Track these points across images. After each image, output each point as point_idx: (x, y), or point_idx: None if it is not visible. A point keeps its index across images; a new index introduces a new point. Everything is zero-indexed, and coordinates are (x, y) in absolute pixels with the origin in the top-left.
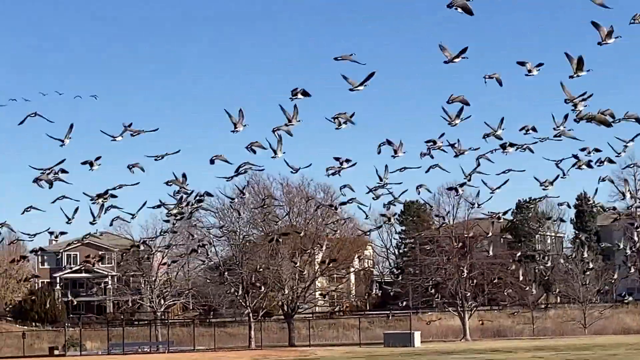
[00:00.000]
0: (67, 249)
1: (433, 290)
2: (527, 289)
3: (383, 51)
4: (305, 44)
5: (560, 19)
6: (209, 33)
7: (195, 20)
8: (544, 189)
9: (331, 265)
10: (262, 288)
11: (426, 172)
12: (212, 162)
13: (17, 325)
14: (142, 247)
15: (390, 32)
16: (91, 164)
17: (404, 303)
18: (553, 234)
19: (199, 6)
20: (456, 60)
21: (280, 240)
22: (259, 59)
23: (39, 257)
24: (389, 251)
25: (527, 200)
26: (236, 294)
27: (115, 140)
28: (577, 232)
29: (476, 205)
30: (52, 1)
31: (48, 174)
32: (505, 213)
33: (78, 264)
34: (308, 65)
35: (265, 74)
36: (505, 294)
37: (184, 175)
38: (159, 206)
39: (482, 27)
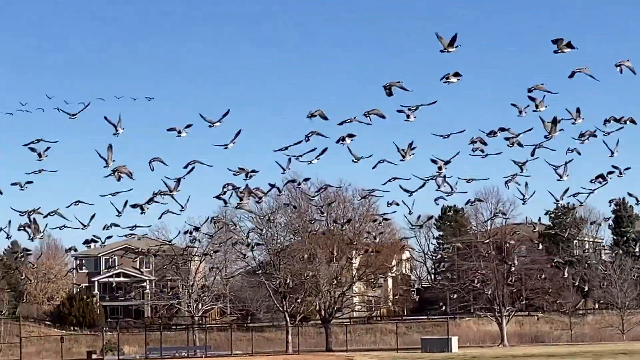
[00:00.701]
0: (104, 253)
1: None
2: (567, 294)
3: (383, 51)
4: (305, 44)
5: (560, 19)
6: (209, 33)
7: (195, 21)
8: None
9: (368, 270)
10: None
11: (483, 157)
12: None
13: (56, 329)
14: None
15: (390, 32)
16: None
17: (442, 308)
18: (591, 240)
19: (199, 7)
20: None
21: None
22: (259, 59)
23: (78, 261)
24: (426, 256)
25: (569, 201)
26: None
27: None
28: (615, 237)
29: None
30: (52, 1)
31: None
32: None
33: (116, 268)
34: (308, 65)
35: (265, 75)
36: (544, 299)
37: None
38: (224, 192)
39: (482, 27)
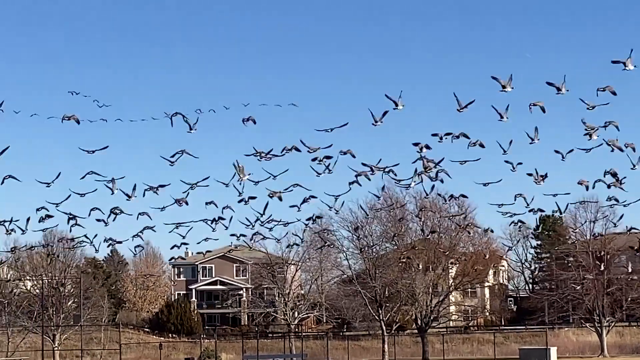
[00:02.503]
0: (202, 261)
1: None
2: None
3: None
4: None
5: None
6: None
7: (196, 22)
8: None
9: (465, 279)
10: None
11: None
12: None
13: (154, 336)
14: None
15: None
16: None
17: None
18: None
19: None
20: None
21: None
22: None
23: (176, 269)
24: (524, 266)
25: None
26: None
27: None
28: None
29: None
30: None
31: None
32: None
33: (213, 276)
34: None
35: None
36: None
37: None
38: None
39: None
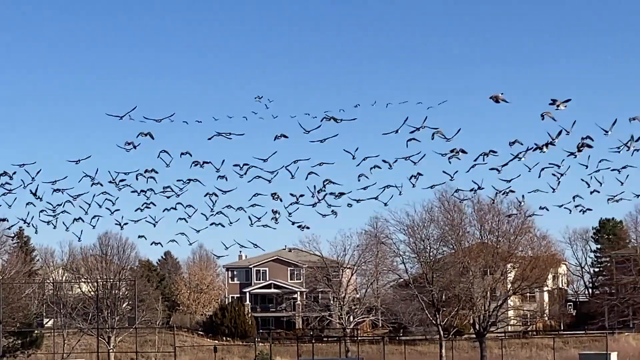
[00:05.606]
0: (256, 264)
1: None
2: None
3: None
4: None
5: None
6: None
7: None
8: None
9: (524, 284)
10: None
11: None
12: None
13: (208, 339)
14: None
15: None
16: None
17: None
18: None
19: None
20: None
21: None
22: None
23: (229, 272)
24: (583, 270)
25: None
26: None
27: None
28: None
29: None
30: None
31: None
32: None
33: (267, 279)
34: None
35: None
36: None
37: None
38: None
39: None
